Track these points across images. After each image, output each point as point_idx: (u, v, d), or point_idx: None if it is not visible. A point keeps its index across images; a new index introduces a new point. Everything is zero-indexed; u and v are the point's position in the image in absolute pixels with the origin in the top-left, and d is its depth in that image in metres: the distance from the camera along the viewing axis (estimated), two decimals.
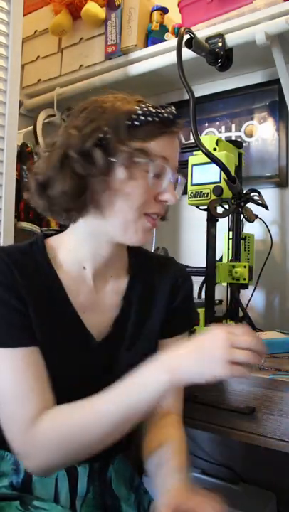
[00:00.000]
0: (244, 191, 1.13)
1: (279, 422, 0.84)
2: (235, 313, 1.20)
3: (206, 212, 1.11)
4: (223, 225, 1.19)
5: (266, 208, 1.18)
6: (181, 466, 0.69)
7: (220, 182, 1.08)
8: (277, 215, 1.42)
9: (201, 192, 1.10)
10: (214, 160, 1.03)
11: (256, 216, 1.19)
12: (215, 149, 1.12)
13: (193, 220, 1.57)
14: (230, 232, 1.23)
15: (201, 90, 1.55)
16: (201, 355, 0.63)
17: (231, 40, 1.22)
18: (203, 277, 1.23)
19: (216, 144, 1.12)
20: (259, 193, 1.18)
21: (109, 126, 0.69)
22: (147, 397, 0.65)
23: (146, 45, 1.44)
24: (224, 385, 0.91)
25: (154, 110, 0.72)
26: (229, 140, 1.24)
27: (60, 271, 0.77)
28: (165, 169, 0.73)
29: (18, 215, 1.53)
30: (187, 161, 1.14)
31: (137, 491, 0.83)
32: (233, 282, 1.15)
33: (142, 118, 0.71)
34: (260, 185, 1.42)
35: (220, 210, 1.09)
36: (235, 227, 1.22)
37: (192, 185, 1.12)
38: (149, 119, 0.71)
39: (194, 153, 1.17)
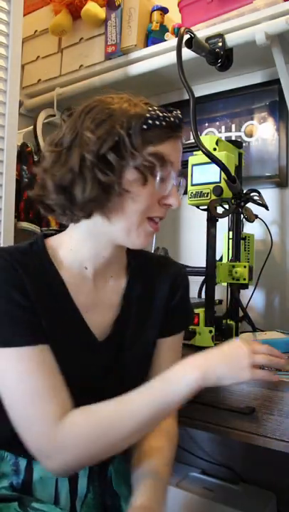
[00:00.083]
0: (244, 191, 1.13)
1: (279, 422, 0.84)
2: (235, 313, 1.20)
3: (206, 212, 1.11)
4: (223, 225, 1.19)
5: (266, 207, 1.18)
6: (154, 485, 0.71)
7: (220, 182, 1.08)
8: (277, 215, 1.42)
9: (201, 192, 1.10)
10: (214, 160, 1.03)
11: (256, 216, 1.19)
12: (215, 149, 1.12)
13: (193, 220, 1.57)
14: (230, 232, 1.23)
15: (201, 90, 1.55)
16: (227, 359, 0.69)
17: (231, 40, 1.22)
18: (203, 277, 1.23)
19: (216, 144, 1.12)
20: (259, 193, 1.18)
21: (123, 129, 0.69)
22: (178, 393, 0.67)
23: (147, 45, 1.44)
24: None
25: (161, 114, 0.72)
26: (229, 140, 1.24)
27: (62, 270, 0.76)
28: (170, 173, 0.74)
29: (18, 215, 1.53)
30: (187, 161, 1.14)
31: None
32: (233, 282, 1.15)
33: (151, 122, 0.71)
34: (260, 185, 1.42)
35: (220, 210, 1.09)
36: (235, 227, 1.22)
37: (192, 185, 1.12)
38: (157, 123, 0.71)
39: (194, 153, 1.17)
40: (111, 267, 0.81)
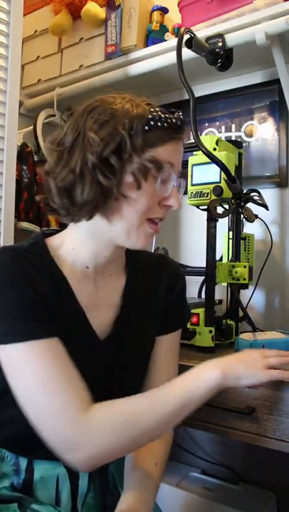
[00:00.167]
0: (244, 191, 1.13)
1: (279, 422, 0.84)
2: (235, 313, 1.20)
3: (206, 212, 1.11)
4: (223, 225, 1.19)
5: (266, 207, 1.18)
6: (142, 485, 0.75)
7: (220, 182, 1.08)
8: (277, 215, 1.42)
9: (201, 192, 1.10)
10: (214, 160, 1.03)
11: (256, 216, 1.19)
12: (215, 149, 1.12)
13: (193, 220, 1.57)
14: (230, 232, 1.23)
15: (201, 90, 1.55)
16: (243, 362, 0.74)
17: (231, 40, 1.22)
18: (203, 277, 1.23)
19: (216, 144, 1.12)
20: (259, 193, 1.18)
21: (125, 130, 0.69)
22: (200, 389, 0.69)
23: (146, 45, 1.44)
24: None
25: (163, 116, 0.72)
26: (229, 140, 1.24)
27: (64, 268, 0.76)
28: (171, 175, 0.74)
29: (18, 215, 1.53)
30: (187, 161, 1.14)
31: None
32: (233, 282, 1.15)
33: (152, 123, 0.71)
34: (260, 185, 1.42)
35: (220, 210, 1.09)
36: (235, 227, 1.22)
37: (192, 185, 1.12)
38: (159, 124, 0.71)
39: (194, 153, 1.17)
40: (111, 266, 0.81)
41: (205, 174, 1.11)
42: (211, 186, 1.08)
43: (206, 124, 1.59)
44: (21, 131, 1.62)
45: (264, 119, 1.47)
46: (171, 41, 1.37)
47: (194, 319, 1.09)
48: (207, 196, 1.09)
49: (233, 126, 1.54)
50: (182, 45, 1.06)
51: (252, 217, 1.15)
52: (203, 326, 1.08)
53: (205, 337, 1.08)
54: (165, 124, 0.71)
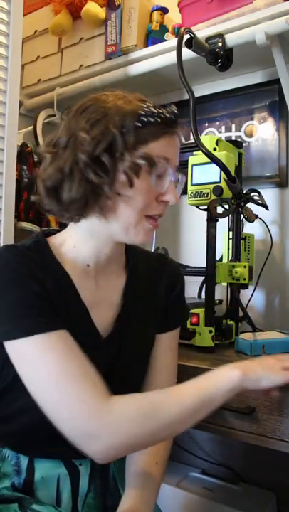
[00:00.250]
0: (244, 191, 1.13)
1: (279, 422, 0.84)
2: (235, 313, 1.20)
3: (206, 212, 1.11)
4: (223, 225, 1.19)
5: (266, 207, 1.18)
6: (143, 485, 0.75)
7: (220, 182, 1.08)
8: (277, 215, 1.42)
9: (201, 192, 1.10)
10: (214, 160, 1.03)
11: (256, 216, 1.19)
12: (215, 149, 1.12)
13: (193, 220, 1.57)
14: (230, 232, 1.23)
15: (201, 90, 1.55)
16: (262, 365, 0.74)
17: (231, 40, 1.22)
18: (203, 277, 1.23)
19: (216, 144, 1.12)
20: (259, 193, 1.18)
21: (117, 128, 0.69)
22: (221, 387, 0.69)
23: (146, 45, 1.44)
24: None
25: (156, 111, 0.71)
26: (229, 140, 1.24)
27: (66, 266, 0.76)
28: (167, 170, 0.73)
29: (18, 215, 1.53)
30: (187, 161, 1.14)
31: None
32: (233, 282, 1.15)
33: (145, 119, 0.70)
34: (260, 185, 1.42)
35: (220, 210, 1.09)
36: (235, 227, 1.22)
37: (192, 185, 1.12)
38: (152, 120, 0.71)
39: (194, 153, 1.17)
40: (111, 264, 0.81)
41: (205, 174, 1.11)
42: (211, 186, 1.08)
43: (206, 124, 1.59)
44: (21, 131, 1.62)
45: (264, 119, 1.47)
46: (171, 41, 1.37)
47: (194, 319, 1.09)
48: (207, 196, 1.09)
49: (233, 126, 1.54)
50: (182, 45, 1.06)
51: (252, 217, 1.16)
52: (203, 326, 1.08)
53: (205, 337, 1.08)
54: (158, 119, 0.71)
